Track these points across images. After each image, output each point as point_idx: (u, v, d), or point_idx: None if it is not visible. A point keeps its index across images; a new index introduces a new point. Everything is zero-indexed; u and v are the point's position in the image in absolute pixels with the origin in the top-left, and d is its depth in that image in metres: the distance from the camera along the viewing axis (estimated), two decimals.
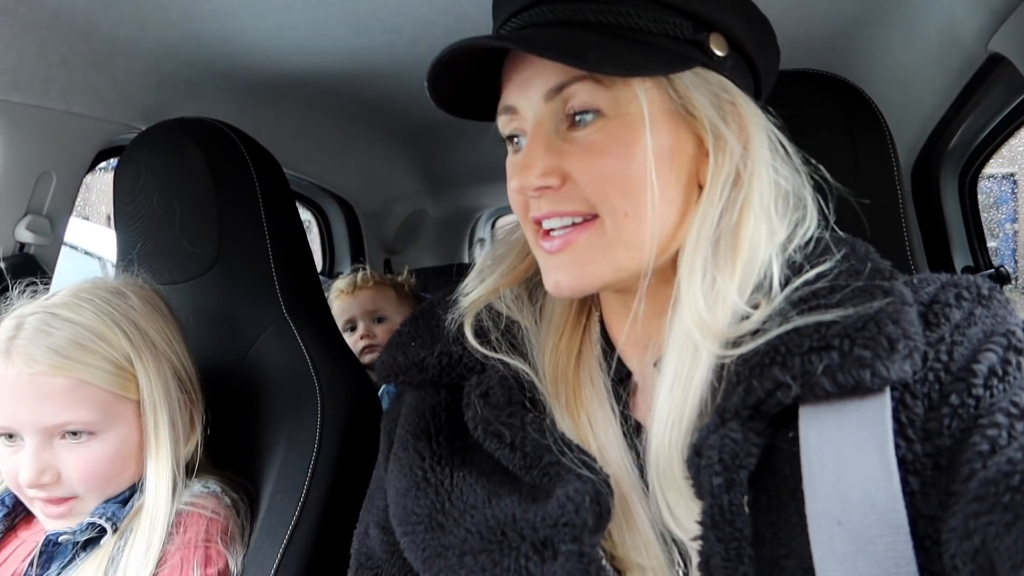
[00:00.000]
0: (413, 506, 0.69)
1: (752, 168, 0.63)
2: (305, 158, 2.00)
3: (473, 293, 0.75)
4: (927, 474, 0.53)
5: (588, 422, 0.68)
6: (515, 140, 0.68)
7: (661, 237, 0.64)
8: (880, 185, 0.93)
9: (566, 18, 0.63)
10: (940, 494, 0.52)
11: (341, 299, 2.04)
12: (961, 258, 1.65)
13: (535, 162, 0.63)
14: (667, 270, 0.66)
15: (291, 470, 1.05)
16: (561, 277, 0.65)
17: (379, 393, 1.80)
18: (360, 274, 2.07)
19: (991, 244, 1.72)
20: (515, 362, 0.70)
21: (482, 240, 3.38)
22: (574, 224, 0.64)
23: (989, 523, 0.46)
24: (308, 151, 1.99)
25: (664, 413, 0.62)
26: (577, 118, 0.63)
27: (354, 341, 1.99)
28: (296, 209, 1.33)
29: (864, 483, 0.52)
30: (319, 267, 2.49)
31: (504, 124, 0.68)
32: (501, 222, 3.60)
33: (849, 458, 0.53)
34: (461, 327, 0.73)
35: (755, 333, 0.59)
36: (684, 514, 0.60)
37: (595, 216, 0.63)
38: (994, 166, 1.67)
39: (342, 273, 2.24)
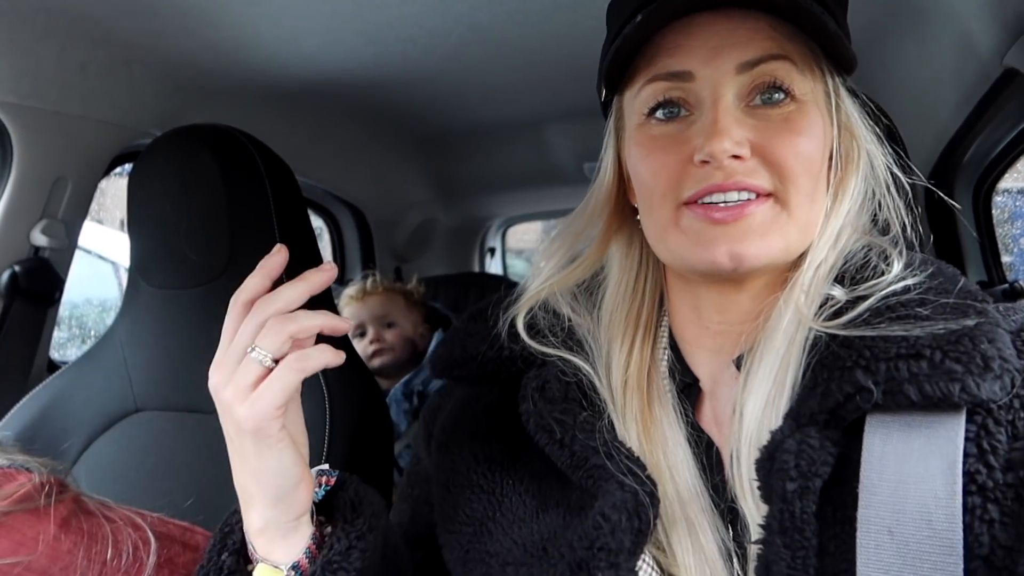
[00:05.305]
0: (464, 507, 0.69)
1: (869, 168, 0.67)
2: (318, 165, 2.01)
3: (531, 288, 0.74)
4: (1007, 504, 0.51)
5: (658, 441, 0.66)
6: (666, 109, 0.65)
7: (818, 224, 0.65)
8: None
9: None
10: (1020, 525, 0.50)
11: (351, 305, 2.05)
12: (975, 273, 1.64)
13: (730, 128, 0.60)
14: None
15: None
16: (739, 247, 0.60)
17: (387, 400, 1.80)
18: (370, 280, 2.08)
19: (1006, 259, 1.71)
20: (577, 360, 0.69)
21: (492, 249, 3.38)
22: (748, 199, 0.61)
23: None
24: (321, 158, 2.01)
25: (761, 401, 0.61)
26: (766, 96, 0.62)
27: (363, 346, 1.99)
28: (307, 215, 1.33)
29: (923, 498, 0.51)
30: None
31: (662, 90, 0.64)
32: (512, 231, 3.61)
33: (912, 471, 0.52)
34: (516, 323, 0.72)
35: (846, 326, 0.59)
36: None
37: (769, 194, 0.62)
38: (1009, 180, 1.66)
39: (352, 280, 2.25)
